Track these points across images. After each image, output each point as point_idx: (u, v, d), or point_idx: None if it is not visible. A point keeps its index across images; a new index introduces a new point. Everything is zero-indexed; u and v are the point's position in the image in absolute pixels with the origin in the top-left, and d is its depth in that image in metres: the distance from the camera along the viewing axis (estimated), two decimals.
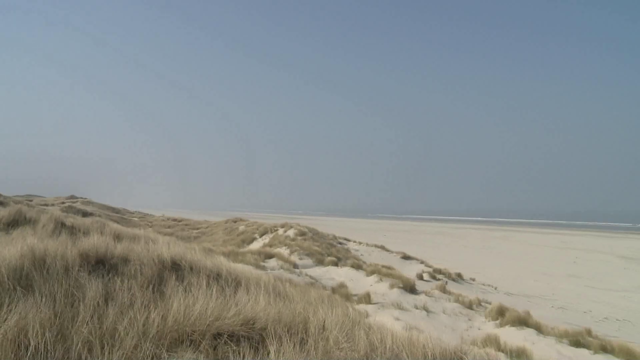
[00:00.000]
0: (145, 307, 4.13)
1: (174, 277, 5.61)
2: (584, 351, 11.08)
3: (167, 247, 7.03)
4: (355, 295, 15.79)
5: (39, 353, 3.28)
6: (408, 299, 15.94)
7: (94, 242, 6.17)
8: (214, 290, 4.89)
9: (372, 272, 20.06)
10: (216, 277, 6.37)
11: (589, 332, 13.01)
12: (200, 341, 3.73)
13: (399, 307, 14.54)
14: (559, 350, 11.08)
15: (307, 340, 3.88)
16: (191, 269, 6.37)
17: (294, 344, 3.72)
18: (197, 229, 50.42)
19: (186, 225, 54.71)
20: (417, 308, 14.73)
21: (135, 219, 61.24)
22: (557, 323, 14.93)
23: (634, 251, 52.57)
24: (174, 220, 61.12)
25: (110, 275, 5.20)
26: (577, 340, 11.70)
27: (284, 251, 24.90)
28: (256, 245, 30.39)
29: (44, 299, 4.01)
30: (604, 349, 11.14)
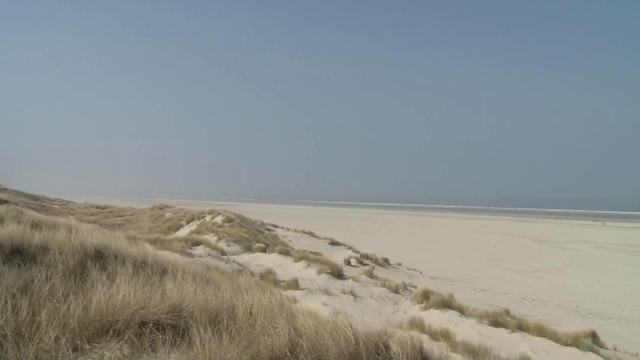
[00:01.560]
0: (66, 297, 4.00)
1: (97, 266, 5.45)
2: (502, 330, 11.70)
3: (90, 235, 6.82)
4: (283, 281, 15.87)
5: None
6: (336, 285, 16.18)
7: (9, 230, 5.89)
8: (140, 278, 4.79)
9: (300, 258, 20.20)
10: (142, 265, 6.24)
11: (507, 312, 13.73)
12: (124, 331, 3.66)
13: (327, 292, 14.73)
14: (479, 331, 11.62)
15: (234, 327, 3.89)
16: (115, 257, 6.21)
17: (221, 331, 3.72)
18: (122, 216, 48.88)
19: (110, 212, 52.89)
20: (344, 293, 14.96)
21: (56, 206, 58.53)
22: (478, 305, 15.62)
23: (547, 234, 55.72)
24: (98, 207, 58.88)
25: (27, 265, 4.98)
26: (497, 320, 12.35)
27: (211, 238, 24.66)
28: (183, 233, 29.90)
29: None
30: (520, 327, 11.83)
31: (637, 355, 11.45)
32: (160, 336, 3.67)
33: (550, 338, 11.21)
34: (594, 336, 11.98)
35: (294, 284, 15.40)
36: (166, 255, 10.94)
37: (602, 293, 23.52)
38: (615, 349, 11.87)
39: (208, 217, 34.47)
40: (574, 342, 10.98)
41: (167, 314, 4.00)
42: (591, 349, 10.81)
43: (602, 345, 11.82)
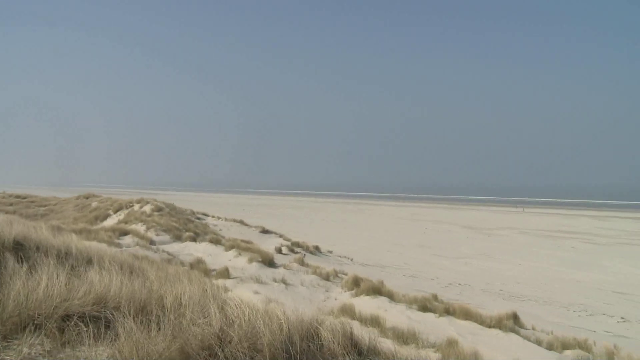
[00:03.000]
0: None
1: (16, 258, 5.19)
2: (430, 315, 12.10)
3: (8, 226, 6.49)
4: (214, 270, 15.74)
5: None
6: (267, 273, 16.19)
7: None
8: (63, 270, 4.60)
9: (231, 247, 20.10)
10: (66, 256, 6.00)
11: (435, 297, 14.21)
12: (46, 325, 3.50)
13: (258, 280, 14.73)
14: (408, 316, 11.95)
15: (163, 318, 3.81)
16: (37, 248, 5.94)
17: (149, 322, 3.63)
18: (45, 206, 46.69)
19: (32, 202, 50.32)
20: (275, 281, 15.01)
21: None
22: (408, 290, 16.05)
23: (474, 221, 57.85)
24: (17, 197, 55.90)
25: None
26: (425, 306, 12.77)
27: (140, 227, 24.09)
28: (110, 222, 29.01)
29: None
30: (447, 311, 12.30)
31: (552, 333, 12.19)
32: (85, 329, 3.54)
33: (476, 321, 11.73)
34: (515, 317, 12.66)
35: (225, 273, 15.31)
36: (93, 245, 10.58)
37: (523, 276, 24.75)
38: (533, 329, 12.60)
39: (136, 206, 33.62)
40: (497, 323, 11.54)
41: (92, 305, 3.87)
42: (512, 330, 11.41)
43: (522, 326, 12.50)
